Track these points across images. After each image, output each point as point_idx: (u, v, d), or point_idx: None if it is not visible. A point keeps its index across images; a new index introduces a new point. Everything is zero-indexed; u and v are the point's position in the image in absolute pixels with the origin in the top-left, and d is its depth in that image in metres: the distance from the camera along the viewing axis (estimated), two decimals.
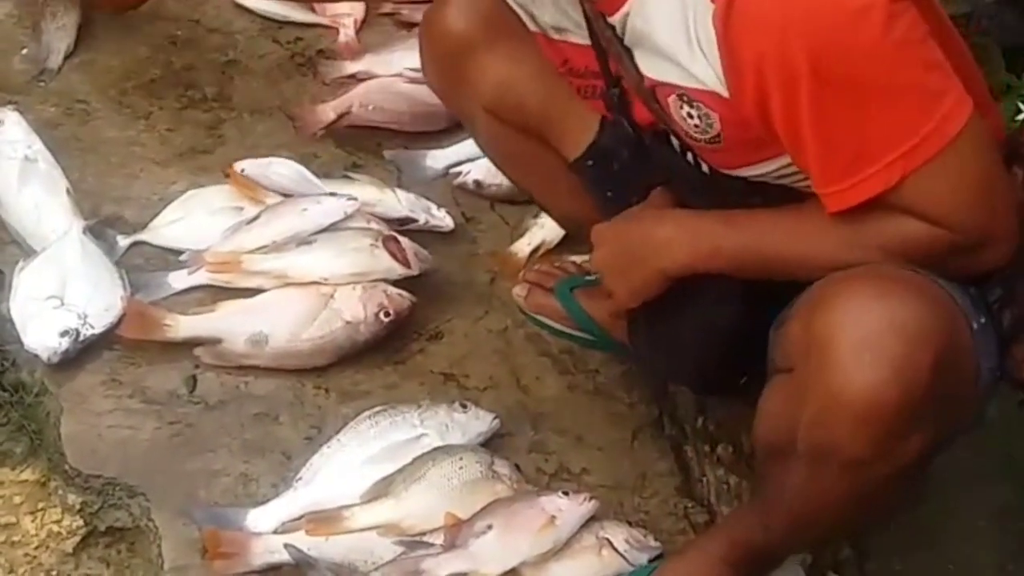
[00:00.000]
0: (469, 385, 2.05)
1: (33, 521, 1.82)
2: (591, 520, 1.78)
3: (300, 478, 1.85)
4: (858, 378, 1.40)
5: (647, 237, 1.67)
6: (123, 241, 2.14)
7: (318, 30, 2.64)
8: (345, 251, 2.08)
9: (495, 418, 1.95)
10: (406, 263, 2.09)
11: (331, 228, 2.12)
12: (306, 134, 2.41)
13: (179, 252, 2.14)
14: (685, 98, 1.55)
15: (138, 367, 1.99)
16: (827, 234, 1.52)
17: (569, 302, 1.98)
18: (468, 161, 2.33)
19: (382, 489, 1.80)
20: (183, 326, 2.00)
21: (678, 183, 1.73)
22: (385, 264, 2.08)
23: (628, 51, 1.61)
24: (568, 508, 1.77)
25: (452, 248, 2.25)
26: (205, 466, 1.88)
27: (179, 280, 2.09)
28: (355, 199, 2.16)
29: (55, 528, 1.82)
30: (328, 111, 2.42)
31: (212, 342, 2.00)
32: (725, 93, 1.49)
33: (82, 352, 1.97)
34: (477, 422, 1.93)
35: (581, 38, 1.72)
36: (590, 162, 1.81)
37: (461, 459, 1.82)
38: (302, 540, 1.75)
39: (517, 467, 1.88)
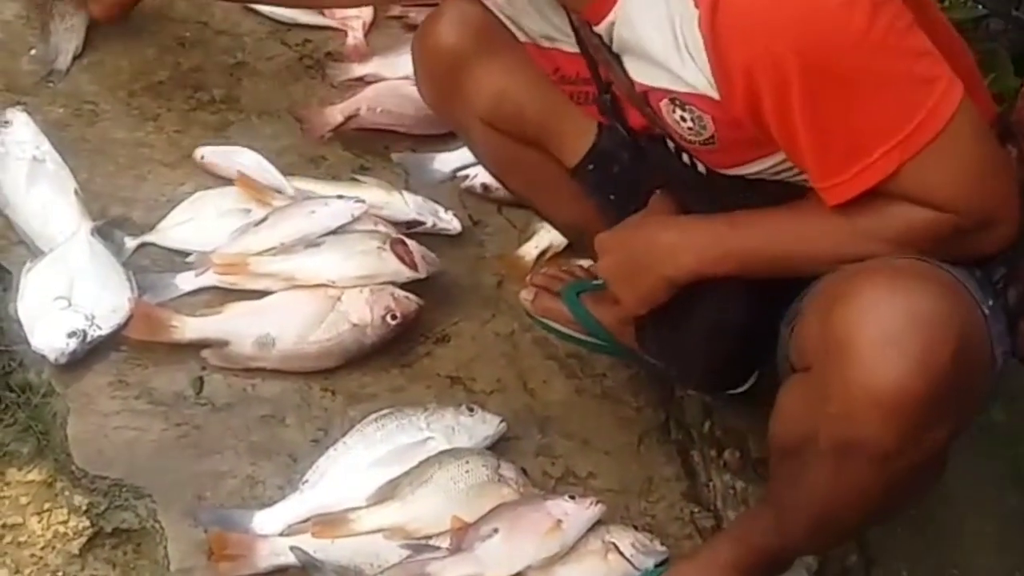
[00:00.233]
0: (476, 388, 2.05)
1: (39, 522, 1.82)
2: (597, 524, 1.79)
3: (306, 480, 1.85)
4: (883, 373, 1.39)
5: (652, 244, 1.68)
6: (131, 242, 2.14)
7: (326, 32, 2.64)
8: (352, 254, 2.09)
9: (502, 421, 1.95)
10: (413, 266, 2.09)
11: (339, 231, 2.12)
12: (314, 136, 2.41)
13: (186, 254, 2.14)
14: (677, 102, 1.56)
15: (145, 368, 1.99)
16: (832, 229, 1.52)
17: (576, 306, 1.98)
18: (475, 164, 2.32)
19: (388, 492, 1.80)
20: (190, 328, 2.00)
21: (676, 184, 1.73)
22: (392, 267, 2.08)
23: (617, 58, 1.62)
24: (574, 512, 1.77)
25: (459, 251, 2.25)
26: (212, 468, 1.88)
27: (186, 282, 2.09)
28: (363, 202, 2.16)
29: (61, 529, 1.82)
30: (336, 113, 2.42)
31: (219, 344, 2.00)
32: (716, 96, 1.50)
33: (89, 353, 1.97)
34: (484, 425, 1.93)
35: (571, 46, 1.74)
36: (591, 166, 1.82)
37: (467, 462, 1.82)
38: (308, 542, 1.76)
39: (523, 471, 1.88)
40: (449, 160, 2.38)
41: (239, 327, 2.01)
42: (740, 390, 1.93)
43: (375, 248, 2.09)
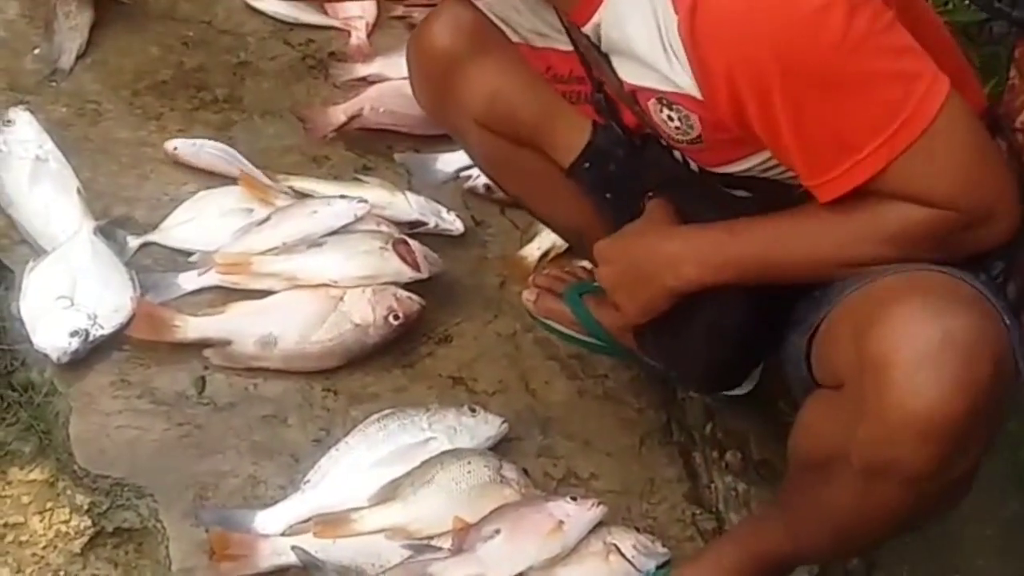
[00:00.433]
0: (478, 389, 2.05)
1: (41, 521, 1.82)
2: (599, 525, 1.79)
3: (308, 480, 1.85)
4: (921, 396, 1.38)
5: (652, 254, 1.68)
6: (133, 242, 2.15)
7: (330, 32, 2.65)
8: (355, 254, 2.09)
9: (503, 422, 1.95)
10: (416, 266, 2.09)
11: (341, 231, 2.12)
12: (317, 136, 2.41)
13: (189, 253, 2.15)
14: (664, 101, 1.56)
15: (147, 368, 1.99)
16: (831, 231, 1.52)
17: (578, 307, 1.98)
18: None
19: (390, 492, 1.80)
20: (192, 327, 2.00)
21: (671, 181, 1.73)
22: (395, 267, 2.08)
23: (606, 57, 1.62)
24: (576, 513, 1.77)
25: (462, 252, 2.25)
26: (213, 467, 1.88)
27: (189, 281, 2.09)
28: (365, 202, 2.16)
29: (63, 528, 1.82)
30: (339, 113, 2.42)
31: (221, 343, 2.00)
32: (701, 97, 1.50)
33: (91, 352, 1.97)
34: (486, 426, 1.93)
35: (564, 44, 1.74)
36: (587, 164, 1.81)
37: (469, 463, 1.82)
38: (310, 542, 1.75)
39: (525, 471, 1.88)
40: (452, 160, 2.38)
41: (241, 327, 2.01)
42: (742, 392, 1.93)
43: (377, 248, 2.09)
